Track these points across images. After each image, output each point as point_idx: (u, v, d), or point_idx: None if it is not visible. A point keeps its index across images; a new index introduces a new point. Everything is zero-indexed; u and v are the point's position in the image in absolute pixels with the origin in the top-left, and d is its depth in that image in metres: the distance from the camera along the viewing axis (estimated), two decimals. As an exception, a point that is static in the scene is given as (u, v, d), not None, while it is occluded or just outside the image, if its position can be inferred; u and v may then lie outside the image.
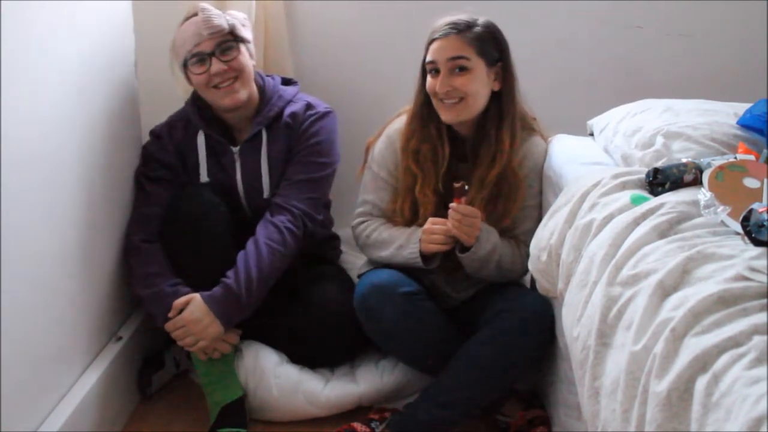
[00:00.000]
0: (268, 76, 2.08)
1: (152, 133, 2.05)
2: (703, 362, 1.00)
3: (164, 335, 1.96)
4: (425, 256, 1.85)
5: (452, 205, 1.79)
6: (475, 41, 1.83)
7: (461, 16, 1.85)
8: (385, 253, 1.91)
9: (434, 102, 1.88)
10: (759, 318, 1.02)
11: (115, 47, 1.91)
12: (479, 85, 1.85)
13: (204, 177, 2.01)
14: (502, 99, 1.88)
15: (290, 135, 2.00)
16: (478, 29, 1.84)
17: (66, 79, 1.62)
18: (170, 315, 1.82)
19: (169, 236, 1.91)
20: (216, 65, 1.90)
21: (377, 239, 1.93)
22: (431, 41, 1.85)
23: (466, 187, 1.80)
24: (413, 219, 1.92)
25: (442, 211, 1.85)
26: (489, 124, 1.89)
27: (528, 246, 1.81)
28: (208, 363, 1.89)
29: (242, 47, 1.95)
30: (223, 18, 1.91)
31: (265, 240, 1.89)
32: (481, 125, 1.90)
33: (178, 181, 2.01)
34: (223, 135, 2.02)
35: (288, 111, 2.01)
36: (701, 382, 0.98)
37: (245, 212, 2.04)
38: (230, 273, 1.85)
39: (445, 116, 1.87)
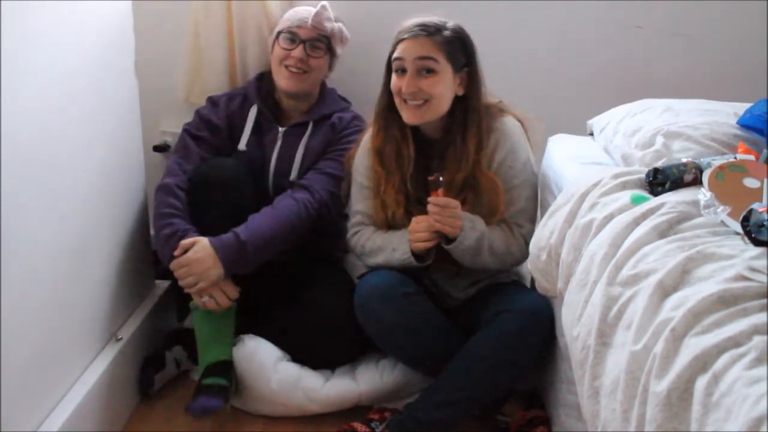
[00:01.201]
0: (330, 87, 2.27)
1: (209, 99, 2.20)
2: (703, 362, 1.00)
3: (164, 336, 1.96)
4: (418, 255, 1.85)
5: (430, 198, 1.79)
6: (444, 45, 1.82)
7: (431, 18, 1.84)
8: (380, 259, 1.91)
9: (397, 102, 1.87)
10: (759, 318, 1.02)
11: (115, 47, 1.91)
12: (444, 89, 1.84)
13: (242, 146, 2.13)
14: (468, 105, 1.87)
15: (332, 134, 2.15)
16: (447, 33, 1.83)
17: (66, 79, 1.62)
18: (176, 254, 1.89)
19: (197, 198, 1.98)
20: (299, 51, 2.10)
21: (372, 247, 1.93)
22: (400, 40, 1.84)
23: (441, 178, 1.80)
24: (389, 218, 1.92)
25: (421, 209, 1.84)
26: (455, 129, 1.88)
27: (521, 227, 1.82)
28: (206, 320, 1.93)
29: (327, 56, 2.16)
30: (332, 24, 2.15)
31: (282, 207, 1.98)
32: (447, 129, 1.90)
33: (218, 144, 2.13)
34: (273, 115, 2.16)
35: (337, 115, 2.18)
36: (701, 382, 0.98)
37: (268, 190, 2.13)
38: (242, 226, 1.92)
39: (408, 117, 1.86)
